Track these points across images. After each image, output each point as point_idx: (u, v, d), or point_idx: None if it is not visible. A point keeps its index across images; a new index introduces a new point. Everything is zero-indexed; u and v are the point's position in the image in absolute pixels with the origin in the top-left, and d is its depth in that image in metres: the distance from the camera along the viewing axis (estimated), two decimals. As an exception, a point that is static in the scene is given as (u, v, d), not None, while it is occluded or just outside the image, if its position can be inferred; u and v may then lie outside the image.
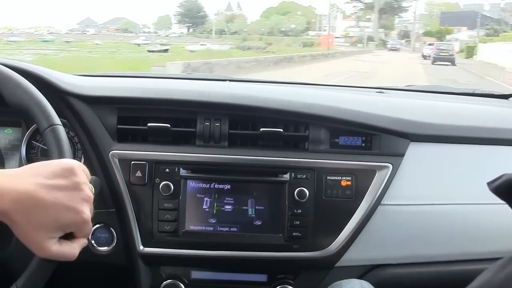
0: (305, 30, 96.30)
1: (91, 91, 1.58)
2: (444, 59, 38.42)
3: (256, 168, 1.53)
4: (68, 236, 1.03)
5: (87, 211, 1.02)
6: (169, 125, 1.54)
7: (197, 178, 1.52)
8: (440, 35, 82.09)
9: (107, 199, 1.54)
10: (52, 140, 1.21)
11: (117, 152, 1.53)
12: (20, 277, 1.09)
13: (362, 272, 1.58)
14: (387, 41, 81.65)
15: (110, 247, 1.56)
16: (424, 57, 47.14)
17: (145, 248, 1.52)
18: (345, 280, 1.50)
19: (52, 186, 0.96)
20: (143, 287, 1.58)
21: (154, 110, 1.58)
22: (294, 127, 1.58)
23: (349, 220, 1.52)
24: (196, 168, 1.53)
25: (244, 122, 1.58)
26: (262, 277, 1.60)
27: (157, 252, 1.53)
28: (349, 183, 1.52)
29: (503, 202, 0.83)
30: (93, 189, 1.16)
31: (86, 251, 1.51)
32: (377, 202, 1.52)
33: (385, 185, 1.52)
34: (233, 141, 1.57)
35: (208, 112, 1.57)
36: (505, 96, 2.13)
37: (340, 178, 1.52)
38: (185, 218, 1.51)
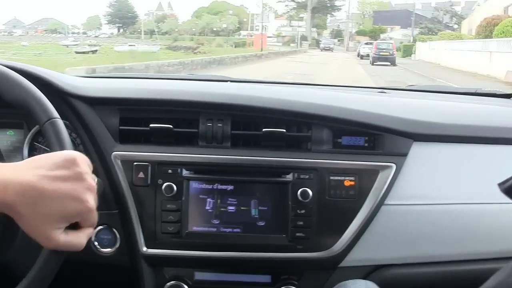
0: (237, 30, 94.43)
1: (92, 92, 1.58)
2: (384, 59, 37.30)
3: (259, 168, 1.53)
4: (75, 226, 1.03)
5: (91, 200, 1.02)
6: (171, 126, 1.54)
7: (200, 179, 1.52)
8: (373, 34, 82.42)
9: (109, 201, 1.54)
10: (52, 133, 1.21)
11: (120, 153, 1.53)
12: (29, 272, 1.09)
13: (366, 272, 1.58)
14: (320, 41, 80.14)
15: (113, 249, 1.56)
16: (361, 56, 46.29)
17: (148, 250, 1.52)
18: (350, 280, 1.50)
19: (55, 177, 0.97)
20: None
21: (156, 111, 1.58)
22: (296, 128, 1.58)
23: (353, 220, 1.52)
24: (198, 169, 1.53)
25: (247, 123, 1.58)
26: (266, 278, 1.60)
27: (160, 253, 1.53)
28: (352, 183, 1.52)
29: (507, 201, 0.83)
30: (96, 179, 1.17)
31: (89, 252, 1.53)
32: (381, 202, 1.52)
33: (388, 185, 1.52)
34: (235, 142, 1.57)
35: (210, 112, 1.57)
36: (507, 96, 2.13)
37: (343, 178, 1.52)
38: (188, 219, 1.51)
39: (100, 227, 1.55)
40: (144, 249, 1.52)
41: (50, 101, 1.25)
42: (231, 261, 1.55)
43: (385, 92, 2.01)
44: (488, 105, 1.95)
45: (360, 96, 1.88)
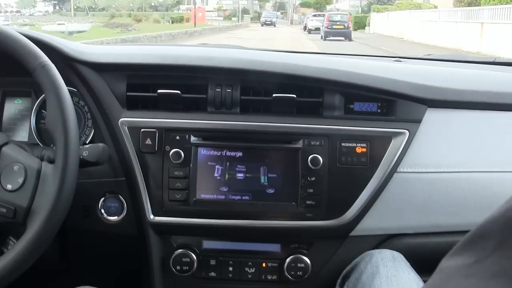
0: (176, 4, 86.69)
1: (100, 58, 1.56)
2: (339, 33, 32.33)
3: (269, 135, 1.51)
4: None
5: None
6: (179, 92, 1.52)
7: (208, 145, 1.50)
8: (319, 6, 77.63)
9: (116, 168, 1.53)
10: (45, 77, 1.23)
11: (127, 119, 1.52)
12: None
13: (378, 241, 1.56)
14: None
15: (120, 217, 1.56)
16: (309, 30, 41.20)
17: (156, 218, 1.51)
18: (376, 250, 1.51)
19: None
20: (154, 257, 1.58)
21: (164, 77, 1.56)
22: (307, 93, 1.55)
23: (364, 188, 1.49)
24: (207, 135, 1.51)
25: (256, 88, 1.55)
26: (275, 247, 1.58)
27: (167, 221, 1.52)
28: (364, 150, 1.49)
29: None
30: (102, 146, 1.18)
31: (96, 221, 1.52)
32: (393, 170, 1.50)
33: (401, 152, 1.50)
34: (245, 108, 1.55)
35: (219, 78, 1.55)
36: None
37: (355, 145, 1.50)
38: (196, 187, 1.50)
39: (107, 195, 1.55)
40: (151, 217, 1.51)
41: (57, 68, 1.25)
42: (240, 230, 1.54)
43: (400, 61, 1.97)
44: (506, 72, 1.91)
45: (373, 62, 1.84)
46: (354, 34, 34.46)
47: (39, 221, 1.16)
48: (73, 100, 1.56)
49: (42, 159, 1.30)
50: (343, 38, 31.54)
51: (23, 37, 1.25)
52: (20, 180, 1.23)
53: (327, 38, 31.74)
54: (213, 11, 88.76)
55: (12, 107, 1.66)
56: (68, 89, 1.29)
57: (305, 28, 44.64)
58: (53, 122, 1.23)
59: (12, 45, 1.24)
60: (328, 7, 74.72)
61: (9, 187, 1.22)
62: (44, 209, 1.17)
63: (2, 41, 1.25)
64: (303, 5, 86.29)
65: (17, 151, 1.29)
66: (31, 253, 1.16)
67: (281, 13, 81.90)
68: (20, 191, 1.22)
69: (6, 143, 1.28)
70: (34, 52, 1.24)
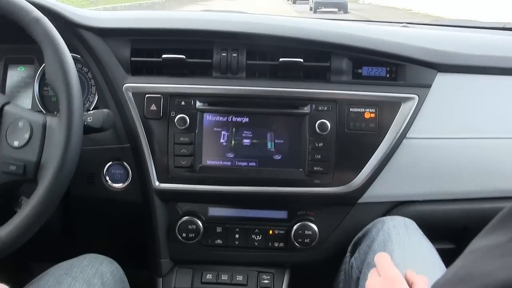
0: None
1: (103, 23, 1.55)
2: (332, 3, 28.05)
3: (276, 100, 1.49)
4: None
5: None
6: (184, 57, 1.50)
7: (214, 110, 1.49)
8: None
9: (121, 134, 1.52)
10: (39, 30, 1.22)
11: (131, 85, 1.50)
12: None
13: (386, 209, 1.56)
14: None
15: (125, 184, 1.55)
16: (294, 0, 35.96)
17: (161, 184, 1.51)
18: (388, 216, 1.50)
19: None
20: (160, 224, 1.58)
21: (169, 42, 1.55)
22: (315, 57, 1.53)
23: (373, 154, 1.48)
24: (212, 100, 1.50)
25: (263, 52, 1.53)
26: (282, 214, 1.58)
27: (173, 188, 1.51)
28: (372, 115, 1.48)
29: None
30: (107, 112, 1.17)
31: (100, 188, 1.52)
32: (402, 136, 1.48)
33: (410, 117, 1.48)
34: (251, 72, 1.53)
35: (225, 42, 1.53)
36: None
37: (364, 110, 1.48)
38: (201, 153, 1.49)
39: (112, 162, 1.54)
40: (157, 183, 1.51)
41: (60, 34, 1.24)
42: (246, 196, 1.53)
43: (408, 27, 1.95)
44: None
45: (381, 27, 1.82)
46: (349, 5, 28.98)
47: (50, 175, 1.15)
48: (76, 67, 1.55)
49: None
50: (337, 10, 27.86)
51: None
52: (27, 136, 1.22)
53: (317, 10, 27.61)
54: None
55: (15, 74, 1.66)
56: (72, 55, 1.28)
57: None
58: (53, 74, 1.21)
59: (3, 3, 1.23)
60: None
61: (16, 143, 1.21)
62: (54, 162, 1.16)
63: None
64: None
65: (20, 109, 1.28)
66: (45, 208, 1.16)
67: None
68: (28, 147, 1.21)
69: (7, 103, 1.28)
70: (25, 7, 1.23)
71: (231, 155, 1.49)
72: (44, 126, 1.23)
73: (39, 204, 1.15)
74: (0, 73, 1.66)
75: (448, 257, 0.63)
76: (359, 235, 1.49)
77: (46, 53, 1.22)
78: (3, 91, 1.62)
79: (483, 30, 2.08)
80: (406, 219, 1.46)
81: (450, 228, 1.58)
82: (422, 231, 1.43)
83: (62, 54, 1.22)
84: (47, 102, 1.61)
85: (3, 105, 1.26)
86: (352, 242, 1.50)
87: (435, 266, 1.26)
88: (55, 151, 1.17)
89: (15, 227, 1.15)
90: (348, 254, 1.50)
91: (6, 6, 1.23)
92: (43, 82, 1.62)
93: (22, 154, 1.21)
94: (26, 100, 1.62)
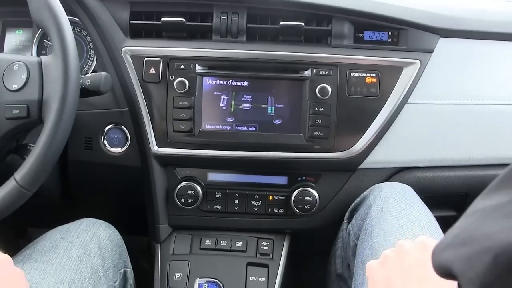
0: None
1: None
2: None
3: (276, 63, 1.49)
4: None
5: None
6: (183, 20, 1.49)
7: (214, 74, 1.49)
8: None
9: (119, 98, 1.52)
10: None
11: (130, 48, 1.50)
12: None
13: (387, 175, 1.56)
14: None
15: (124, 148, 1.56)
16: None
17: (160, 149, 1.51)
18: (385, 183, 1.51)
19: None
20: (158, 189, 1.58)
21: (168, 4, 1.54)
22: (316, 21, 1.52)
23: (374, 119, 1.48)
24: (212, 64, 1.49)
25: (263, 16, 1.53)
26: (282, 179, 1.58)
27: (172, 152, 1.52)
28: (374, 80, 1.47)
29: None
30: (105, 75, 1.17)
31: (98, 152, 1.52)
32: (404, 101, 1.48)
33: (412, 82, 1.48)
34: (251, 36, 1.53)
35: (225, 5, 1.52)
36: None
37: (365, 75, 1.48)
38: (201, 117, 1.49)
39: (110, 125, 1.54)
40: (155, 148, 1.51)
41: None
42: (246, 161, 1.53)
43: None
44: None
45: None
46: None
47: (55, 110, 1.16)
48: (75, 30, 1.56)
49: None
50: None
51: None
52: (24, 76, 1.21)
53: None
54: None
55: (13, 37, 1.66)
56: (70, 19, 1.28)
57: None
58: (39, 11, 1.21)
59: None
60: None
61: (14, 86, 1.21)
62: (56, 96, 1.16)
63: None
64: None
65: (11, 54, 1.29)
66: (55, 145, 1.16)
67: None
68: (27, 87, 1.21)
69: None
70: None
71: (230, 119, 1.49)
72: (40, 64, 1.23)
73: (49, 141, 1.15)
74: None
75: (448, 225, 0.63)
76: (356, 201, 1.50)
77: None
78: None
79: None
80: (404, 185, 1.47)
81: (451, 195, 1.59)
82: (423, 198, 1.44)
83: None
84: None
85: None
86: (349, 209, 1.51)
87: (433, 233, 1.27)
88: (56, 85, 1.17)
89: (29, 168, 1.15)
90: (345, 221, 1.51)
91: None
92: (41, 46, 1.63)
93: (23, 96, 1.21)
94: None
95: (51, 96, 1.18)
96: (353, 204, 1.51)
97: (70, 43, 1.20)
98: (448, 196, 1.59)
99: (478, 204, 0.57)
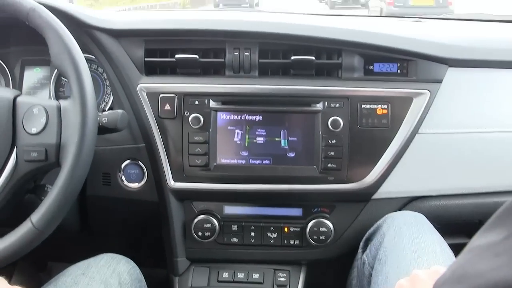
0: None
1: (117, 25, 1.59)
2: None
3: (288, 97, 1.53)
4: None
5: None
6: (197, 56, 1.54)
7: (228, 109, 1.53)
8: None
9: (136, 134, 1.56)
10: (38, 18, 1.26)
11: (145, 85, 1.54)
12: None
13: (400, 204, 1.58)
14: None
15: (141, 183, 1.59)
16: (331, 5, 26.49)
17: (176, 183, 1.54)
18: (398, 212, 1.52)
19: None
20: (176, 223, 1.61)
21: (182, 42, 1.59)
22: (326, 55, 1.56)
23: (386, 150, 1.51)
24: (226, 99, 1.53)
25: (275, 51, 1.57)
26: (297, 211, 1.61)
27: (188, 187, 1.55)
28: (385, 111, 1.50)
29: None
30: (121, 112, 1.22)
31: (116, 187, 1.56)
32: (415, 131, 1.51)
33: (422, 112, 1.51)
34: (263, 71, 1.57)
35: (237, 41, 1.57)
36: None
37: (376, 106, 1.51)
38: (216, 151, 1.52)
39: (127, 161, 1.58)
40: (172, 183, 1.54)
41: (74, 36, 1.27)
42: (261, 194, 1.56)
43: (421, 21, 1.97)
44: None
45: (392, 22, 1.85)
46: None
47: (72, 154, 1.20)
48: (91, 68, 1.60)
49: None
50: (361, 7, 23.18)
51: None
52: (43, 120, 1.25)
53: (336, 6, 24.13)
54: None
55: (32, 75, 1.71)
56: (86, 56, 1.32)
57: None
58: (58, 57, 1.25)
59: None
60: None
61: (33, 130, 1.25)
62: (74, 141, 1.20)
63: None
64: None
65: (32, 98, 1.33)
66: (72, 188, 1.20)
67: None
68: (46, 131, 1.25)
69: (19, 95, 1.32)
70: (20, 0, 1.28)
71: (245, 153, 1.52)
72: (59, 109, 1.27)
73: (66, 184, 1.19)
74: (17, 74, 1.71)
75: None
76: (370, 231, 1.51)
77: (48, 37, 1.26)
78: (20, 92, 1.66)
79: (495, 23, 2.10)
80: (417, 213, 1.49)
81: (464, 223, 1.60)
82: (436, 226, 1.45)
83: (64, 34, 1.26)
84: None
85: (15, 97, 1.30)
86: (364, 238, 1.53)
87: (446, 261, 1.28)
88: (73, 130, 1.21)
89: (45, 211, 1.18)
90: (360, 250, 1.52)
91: (3, 1, 1.28)
92: (59, 83, 1.68)
93: (41, 139, 1.25)
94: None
95: (68, 140, 1.22)
96: (367, 233, 1.52)
97: (88, 88, 1.24)
98: (461, 224, 1.61)
99: (475, 241, 0.59)
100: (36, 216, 1.18)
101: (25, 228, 1.19)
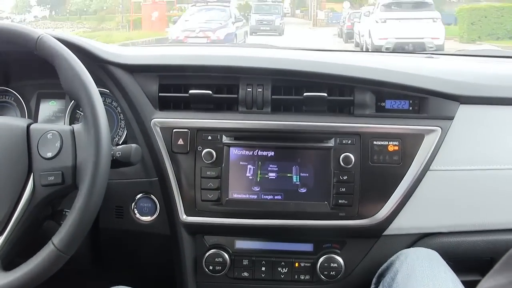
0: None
1: (132, 60, 1.63)
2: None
3: (300, 134, 1.56)
4: None
5: None
6: (210, 92, 1.57)
7: (240, 145, 1.55)
8: None
9: (149, 168, 1.59)
10: (47, 47, 1.30)
11: (159, 120, 1.57)
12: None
13: (411, 241, 1.60)
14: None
15: (153, 217, 1.62)
16: (346, 39, 25.39)
17: (188, 217, 1.57)
18: (411, 248, 1.54)
19: None
20: (187, 256, 1.63)
21: (195, 77, 1.62)
22: (338, 91, 1.59)
23: (397, 186, 1.53)
24: (238, 135, 1.56)
25: (287, 87, 1.60)
26: (308, 247, 1.63)
27: (200, 221, 1.57)
28: (396, 148, 1.53)
29: None
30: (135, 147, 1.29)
31: (129, 220, 1.58)
32: (426, 168, 1.53)
33: (434, 149, 1.53)
34: (276, 107, 1.60)
35: (250, 77, 1.60)
36: None
37: (387, 143, 1.53)
38: (228, 186, 1.55)
39: (140, 195, 1.61)
40: (184, 217, 1.57)
41: (89, 70, 1.30)
42: (273, 229, 1.59)
43: (433, 57, 1.99)
44: None
45: (404, 59, 1.87)
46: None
47: (89, 174, 1.22)
48: (105, 102, 1.63)
49: None
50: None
51: (13, 23, 1.35)
52: (58, 145, 1.29)
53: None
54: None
55: (47, 108, 1.77)
56: (101, 90, 1.36)
57: (344, 32, 27.12)
58: (69, 82, 1.29)
59: (7, 32, 1.33)
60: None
61: (49, 154, 1.29)
62: (89, 162, 1.23)
63: None
64: (331, -3, 56.35)
65: (44, 124, 1.37)
66: (90, 208, 1.23)
67: (301, 11, 58.78)
68: (61, 154, 1.29)
69: (32, 122, 1.36)
70: (28, 30, 1.33)
71: (257, 188, 1.55)
72: (72, 132, 1.31)
73: (85, 204, 1.21)
74: (32, 106, 1.75)
75: None
76: (383, 267, 1.53)
77: (57, 64, 1.30)
78: None
79: (506, 59, 2.12)
80: (430, 250, 1.50)
81: (476, 260, 1.61)
82: (448, 262, 1.47)
83: (72, 60, 1.31)
84: None
85: (29, 125, 1.34)
86: (377, 274, 1.54)
87: None
88: (88, 151, 1.24)
89: (66, 232, 1.21)
90: (373, 286, 1.54)
91: (9, 33, 1.33)
92: (74, 117, 1.72)
93: (57, 163, 1.28)
94: None
95: (84, 161, 1.25)
96: (380, 269, 1.54)
97: (100, 109, 1.28)
98: (473, 260, 1.61)
99: (484, 283, 0.61)
100: (58, 238, 1.21)
101: (47, 250, 1.21)
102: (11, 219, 1.27)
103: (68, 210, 1.35)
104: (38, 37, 1.31)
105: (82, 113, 1.64)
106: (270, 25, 30.31)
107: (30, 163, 1.29)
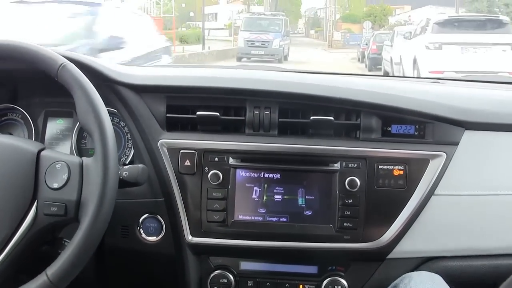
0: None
1: (140, 80, 1.65)
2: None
3: (306, 157, 1.58)
4: None
5: None
6: (218, 114, 1.60)
7: (247, 167, 1.58)
8: (373, 19, 46.73)
9: (155, 188, 1.61)
10: (68, 76, 1.32)
11: (166, 141, 1.59)
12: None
13: (415, 264, 1.61)
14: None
15: (159, 237, 1.63)
16: (379, 65, 20.29)
17: (194, 238, 1.58)
18: (415, 272, 1.55)
19: None
20: (192, 277, 1.65)
21: (203, 99, 1.65)
22: (345, 115, 1.62)
23: (402, 210, 1.54)
24: (245, 157, 1.58)
25: (294, 110, 1.63)
26: (313, 269, 1.64)
27: (205, 242, 1.59)
28: (401, 172, 1.55)
29: None
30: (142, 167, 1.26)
31: (134, 240, 1.59)
32: (431, 192, 1.55)
33: (439, 174, 1.55)
34: (283, 130, 1.62)
35: (257, 100, 1.62)
36: None
37: (392, 167, 1.55)
38: (234, 208, 1.57)
39: (146, 215, 1.62)
40: (190, 237, 1.58)
41: (97, 89, 1.32)
42: (277, 251, 1.60)
43: (439, 82, 2.01)
44: None
45: (410, 84, 1.89)
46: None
47: (91, 211, 1.23)
48: (113, 121, 1.65)
49: None
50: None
51: (38, 46, 1.36)
52: (65, 177, 1.30)
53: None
54: (224, 28, 59.56)
55: (54, 126, 1.78)
56: (109, 110, 1.37)
57: (364, 56, 24.92)
58: (85, 115, 1.31)
59: (30, 55, 1.35)
60: (391, 19, 49.14)
61: (55, 185, 1.30)
62: (94, 199, 1.24)
63: (20, 53, 1.36)
64: (346, 19, 56.36)
65: (55, 153, 1.37)
66: (89, 244, 1.23)
67: (316, 32, 58.44)
68: (67, 187, 1.29)
69: (43, 148, 1.37)
70: (52, 55, 1.35)
71: (262, 210, 1.57)
72: (81, 166, 1.31)
73: (83, 241, 1.22)
74: (40, 124, 1.76)
75: None
76: None
77: (76, 95, 1.32)
78: (43, 142, 1.72)
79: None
80: (434, 274, 1.51)
81: (479, 284, 1.62)
82: (451, 286, 1.47)
83: (92, 94, 1.32)
84: (84, 155, 1.70)
85: (40, 151, 1.35)
86: None
87: None
88: (94, 188, 1.25)
89: (61, 265, 1.21)
90: None
91: (34, 56, 1.35)
92: (81, 135, 1.73)
93: (62, 195, 1.29)
94: (64, 152, 1.70)
95: (88, 198, 1.26)
96: None
97: (112, 149, 1.29)
98: (476, 285, 1.62)
99: None
100: (52, 270, 1.22)
101: (39, 281, 1.22)
102: (9, 243, 1.28)
103: (67, 240, 1.37)
104: (61, 64, 1.32)
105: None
106: (265, 48, 24.92)
107: (35, 190, 1.31)
